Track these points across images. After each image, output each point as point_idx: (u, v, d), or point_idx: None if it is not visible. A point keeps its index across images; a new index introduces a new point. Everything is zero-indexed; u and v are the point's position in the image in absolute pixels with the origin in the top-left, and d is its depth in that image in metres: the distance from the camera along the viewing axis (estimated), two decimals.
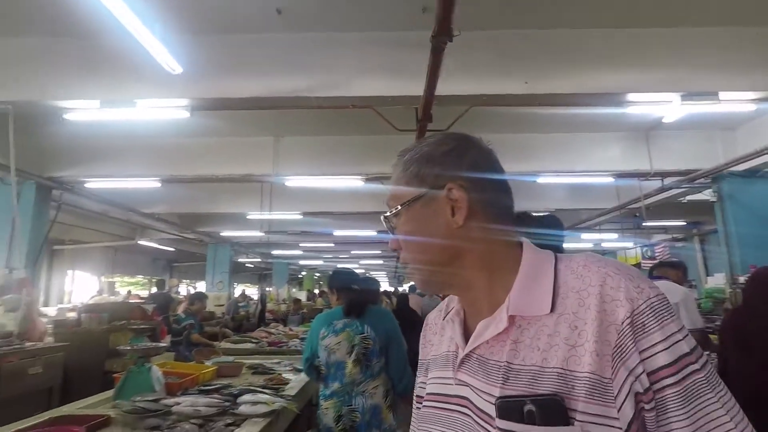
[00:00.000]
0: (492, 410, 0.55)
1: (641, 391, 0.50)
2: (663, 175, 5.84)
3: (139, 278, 19.26)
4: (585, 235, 12.40)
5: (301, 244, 13.35)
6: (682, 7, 3.32)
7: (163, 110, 3.65)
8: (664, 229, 13.00)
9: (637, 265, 14.98)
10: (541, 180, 5.85)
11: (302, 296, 14.63)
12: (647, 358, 0.51)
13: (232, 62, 3.48)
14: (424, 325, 0.79)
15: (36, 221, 5.95)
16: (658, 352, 0.50)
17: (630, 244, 14.47)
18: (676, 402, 0.50)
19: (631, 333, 0.51)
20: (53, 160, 5.80)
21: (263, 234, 10.18)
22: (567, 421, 0.50)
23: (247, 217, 8.27)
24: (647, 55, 3.45)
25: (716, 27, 3.45)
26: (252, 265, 20.36)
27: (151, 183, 6.00)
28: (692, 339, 0.53)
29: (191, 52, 3.32)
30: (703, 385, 0.50)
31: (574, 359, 0.53)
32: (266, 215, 7.27)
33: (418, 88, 3.26)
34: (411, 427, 0.73)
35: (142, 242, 12.39)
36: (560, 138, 5.73)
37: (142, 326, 4.61)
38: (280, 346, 4.11)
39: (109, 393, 2.37)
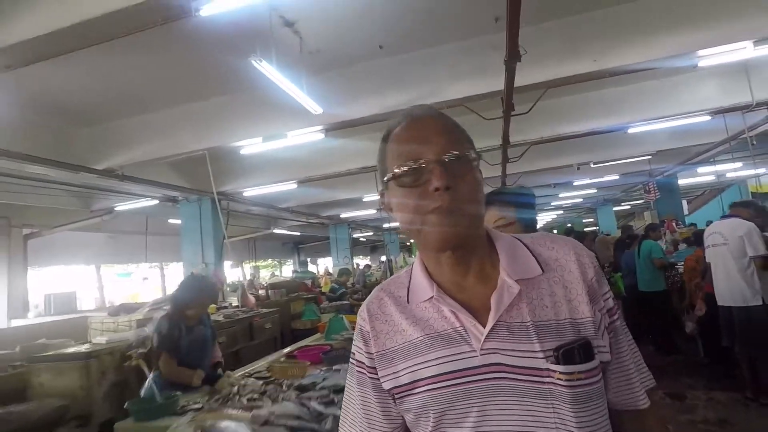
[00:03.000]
0: (539, 363, 0.64)
1: (607, 324, 0.70)
2: None
3: (270, 261, 22.40)
4: (702, 169, 11.61)
5: None
6: None
7: (305, 136, 4.88)
8: None
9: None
10: (632, 130, 6.08)
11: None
12: (605, 301, 0.71)
13: (350, 91, 4.52)
14: (362, 318, 0.78)
15: (215, 226, 7.86)
16: (608, 298, 0.72)
17: (762, 170, 13.10)
18: (622, 329, 0.73)
19: (597, 285, 0.71)
20: (221, 179, 7.58)
21: (376, 211, 11.55)
22: (593, 355, 0.66)
23: (363, 199, 9.61)
24: (711, 10, 3.71)
25: None
26: (364, 239, 22.42)
27: (290, 185, 7.52)
28: None
29: (320, 88, 4.43)
30: (624, 326, 0.75)
31: (574, 310, 0.68)
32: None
33: (499, 84, 3.98)
34: (417, 413, 0.70)
35: (276, 231, 14.64)
36: (649, 86, 5.86)
37: (308, 296, 6.12)
38: None
39: (310, 339, 3.66)
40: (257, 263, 19.85)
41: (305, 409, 1.59)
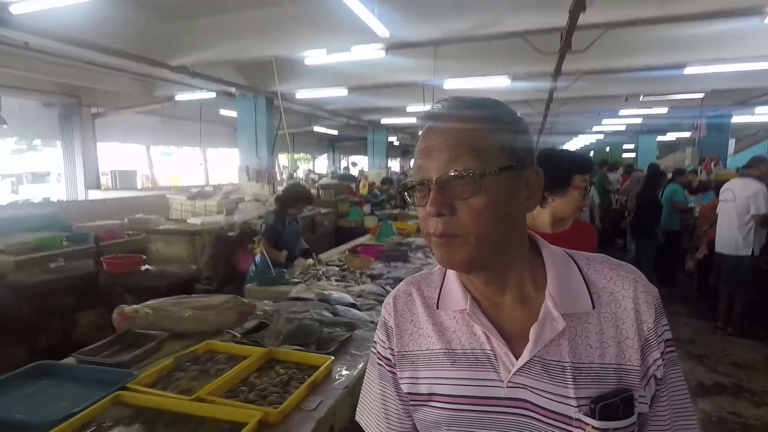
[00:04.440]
0: (570, 411, 0.59)
1: (659, 376, 0.62)
2: None
3: (302, 155, 23.22)
4: (759, 109, 11.11)
5: None
6: None
7: (367, 53, 5.18)
8: None
9: None
10: (688, 71, 6.05)
11: None
12: (658, 344, 0.62)
13: (413, 13, 4.71)
14: (387, 312, 0.74)
15: (268, 122, 8.43)
16: (662, 342, 0.63)
17: None
18: (669, 377, 0.63)
19: (654, 330, 0.62)
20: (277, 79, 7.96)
21: (416, 121, 11.80)
22: (633, 410, 0.59)
23: (407, 109, 9.89)
24: None
25: None
26: (398, 143, 22.78)
27: (341, 92, 7.88)
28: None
29: (386, 9, 4.63)
30: (675, 357, 0.65)
31: (621, 355, 0.61)
32: (429, 106, 8.70)
33: (560, 20, 4.12)
34: (429, 427, 0.68)
35: (316, 128, 15.15)
36: (713, 29, 5.68)
37: (353, 199, 6.87)
38: None
39: (364, 239, 4.40)
40: (295, 156, 20.69)
41: (383, 291, 2.34)
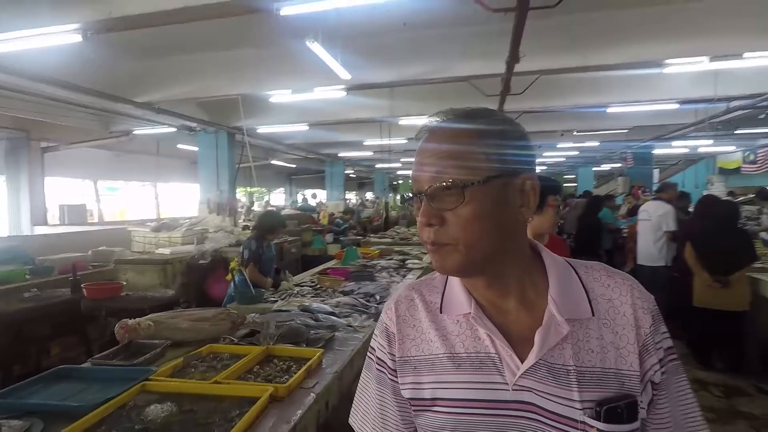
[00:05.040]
0: (575, 414, 0.60)
1: (656, 381, 0.63)
2: (729, 99, 6.57)
3: (261, 189, 23.20)
4: (676, 143, 12.57)
5: (402, 159, 15.44)
6: None
7: (329, 92, 5.61)
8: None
9: (737, 170, 14.82)
10: (610, 110, 6.96)
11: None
12: (656, 351, 0.63)
13: (374, 59, 5.22)
14: (388, 317, 0.74)
15: (229, 156, 8.60)
16: (660, 348, 0.64)
17: (731, 148, 14.17)
18: (669, 383, 0.64)
19: (652, 336, 0.63)
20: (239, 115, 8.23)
21: (372, 153, 12.37)
22: (637, 416, 0.60)
23: (364, 143, 10.40)
24: (681, 27, 4.47)
25: None
26: (354, 175, 23.39)
27: (302, 127, 8.25)
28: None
29: (346, 52, 5.11)
30: (678, 366, 0.65)
31: (621, 360, 0.62)
32: (386, 141, 9.14)
33: (501, 67, 4.75)
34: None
35: (274, 162, 15.35)
36: (628, 74, 6.60)
37: (316, 228, 7.14)
38: (408, 240, 6.35)
39: (330, 263, 4.69)
40: (251, 190, 20.65)
41: (357, 302, 2.64)
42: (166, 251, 4.59)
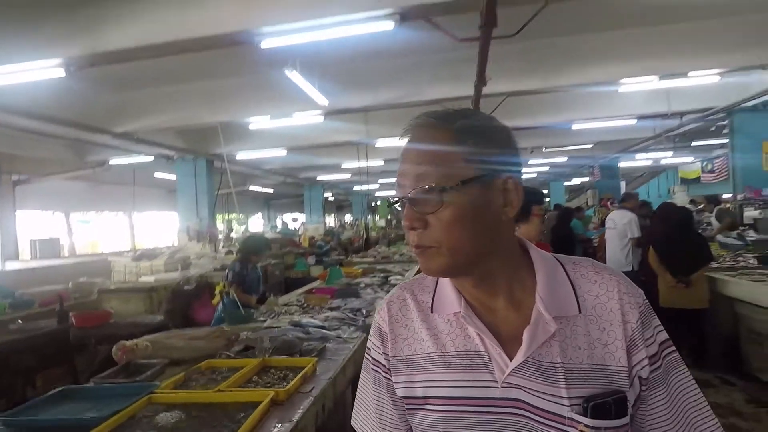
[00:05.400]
0: (563, 411, 0.60)
1: (644, 376, 0.62)
2: (681, 114, 7.09)
3: (238, 215, 23.07)
4: (639, 155, 13.25)
5: (380, 181, 15.71)
6: (658, 10, 4.65)
7: (307, 118, 5.81)
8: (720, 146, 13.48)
9: (697, 179, 15.63)
10: (575, 126, 7.38)
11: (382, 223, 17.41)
12: (647, 347, 0.63)
13: (350, 85, 5.46)
14: (381, 317, 0.75)
15: (208, 183, 8.66)
16: (651, 343, 0.63)
17: (690, 159, 15.00)
18: (663, 378, 0.63)
19: (640, 331, 0.63)
20: (218, 142, 8.33)
21: (350, 176, 12.59)
22: (626, 411, 0.60)
23: (342, 166, 10.61)
24: (634, 50, 4.87)
25: (686, 23, 4.75)
26: (332, 198, 23.55)
27: (280, 152, 8.41)
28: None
29: (323, 79, 5.33)
30: (676, 359, 0.65)
31: (609, 356, 0.62)
32: (363, 163, 9.34)
33: (469, 90, 5.05)
34: (425, 431, 0.68)
35: (252, 187, 15.39)
36: (588, 92, 7.06)
37: (298, 251, 7.22)
38: (389, 258, 6.51)
39: (315, 284, 4.79)
40: (229, 216, 20.50)
41: (345, 316, 2.77)
42: (150, 279, 4.61)
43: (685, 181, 16.86)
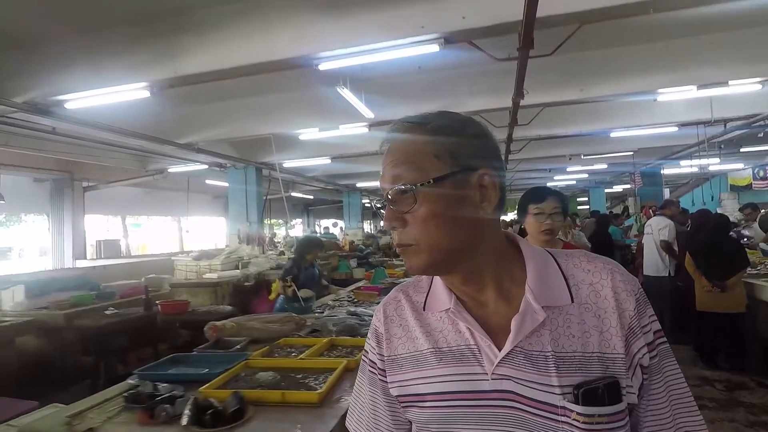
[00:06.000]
0: (555, 399, 0.60)
1: (645, 365, 0.62)
2: (725, 121, 7.01)
3: (277, 221, 23.97)
4: (684, 162, 12.91)
5: None
6: (694, 23, 4.75)
7: (353, 129, 6.22)
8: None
9: (749, 186, 15.04)
10: (614, 134, 7.44)
11: None
12: (644, 334, 0.63)
13: (395, 97, 5.83)
14: (377, 319, 0.77)
15: (258, 190, 9.26)
16: (648, 331, 0.64)
17: (740, 165, 14.45)
18: (660, 366, 0.64)
19: (636, 318, 0.63)
20: (267, 150, 8.91)
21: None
22: (621, 397, 0.60)
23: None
24: (671, 60, 4.98)
25: (723, 33, 4.81)
26: (370, 205, 24.08)
27: (325, 161, 8.91)
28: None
29: (369, 93, 5.72)
30: (668, 349, 0.66)
31: (605, 343, 0.62)
32: None
33: (507, 102, 5.30)
34: (419, 427, 0.70)
35: (294, 194, 16.05)
36: (625, 102, 7.11)
37: (341, 254, 7.64)
38: None
39: (360, 283, 5.14)
40: (271, 221, 21.36)
41: None
42: (214, 275, 5.12)
43: (735, 188, 16.20)
